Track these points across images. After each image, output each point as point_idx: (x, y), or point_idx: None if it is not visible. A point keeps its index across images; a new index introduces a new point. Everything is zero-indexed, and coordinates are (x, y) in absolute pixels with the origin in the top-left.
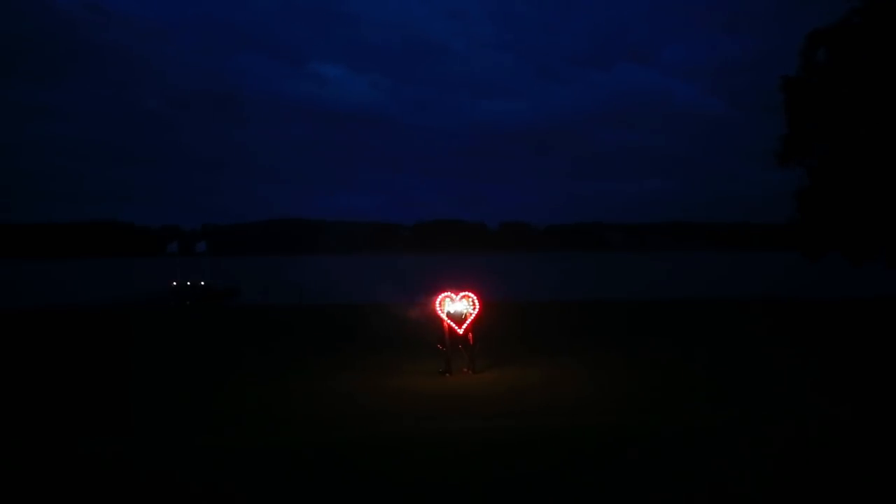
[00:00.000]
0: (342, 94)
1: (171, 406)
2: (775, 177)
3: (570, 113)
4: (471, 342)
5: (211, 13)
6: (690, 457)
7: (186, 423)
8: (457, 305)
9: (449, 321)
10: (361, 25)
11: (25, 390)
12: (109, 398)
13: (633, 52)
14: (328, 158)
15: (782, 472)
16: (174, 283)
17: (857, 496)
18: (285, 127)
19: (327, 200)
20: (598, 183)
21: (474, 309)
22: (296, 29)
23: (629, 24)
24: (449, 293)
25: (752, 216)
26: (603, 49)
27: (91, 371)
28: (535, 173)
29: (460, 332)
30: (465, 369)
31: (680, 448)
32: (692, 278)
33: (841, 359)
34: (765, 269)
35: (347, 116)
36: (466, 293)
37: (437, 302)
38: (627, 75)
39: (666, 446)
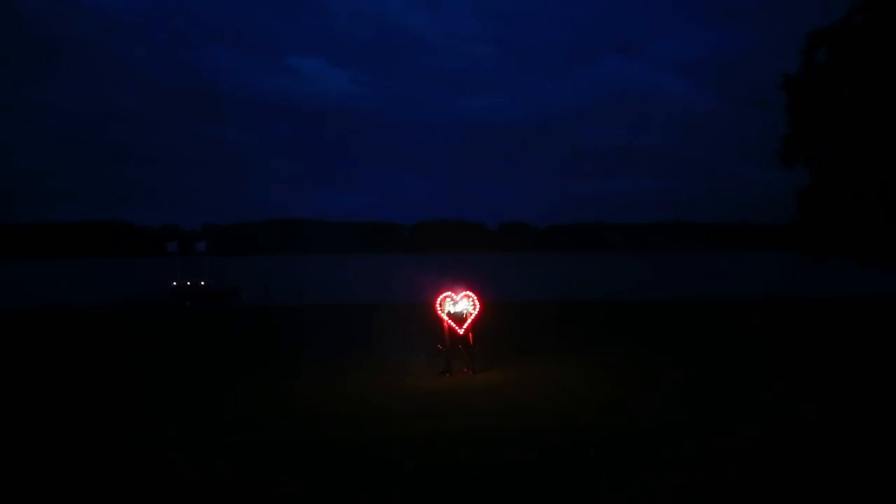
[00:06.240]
0: (324, 91)
1: (181, 406)
2: (775, 177)
3: (563, 109)
4: (471, 342)
5: (186, 7)
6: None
7: (200, 423)
8: (457, 305)
9: (449, 321)
10: (337, 19)
11: (28, 391)
12: (120, 398)
13: (622, 46)
14: (322, 157)
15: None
16: (174, 283)
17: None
18: (274, 125)
19: (326, 200)
20: (597, 182)
21: (475, 309)
22: (271, 23)
23: (617, 17)
24: (449, 293)
25: (752, 216)
26: (590, 43)
27: (95, 372)
28: (533, 172)
29: (461, 332)
30: (465, 369)
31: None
32: (691, 279)
33: (832, 359)
34: (764, 270)
35: (333, 113)
36: (467, 293)
37: (438, 302)
38: (616, 70)
39: (657, 446)
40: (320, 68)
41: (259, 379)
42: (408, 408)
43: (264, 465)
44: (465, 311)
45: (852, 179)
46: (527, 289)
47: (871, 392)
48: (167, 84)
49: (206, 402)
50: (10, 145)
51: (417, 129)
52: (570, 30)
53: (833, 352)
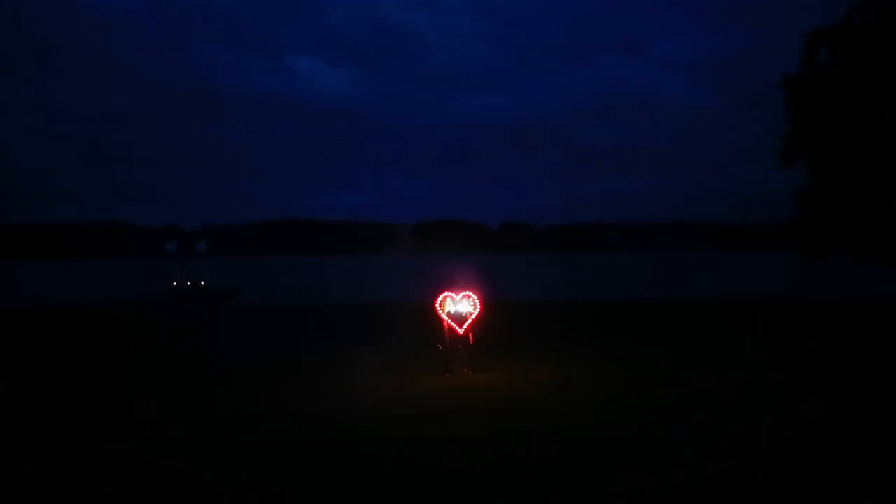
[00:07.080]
0: (322, 90)
1: (180, 406)
2: (775, 176)
3: (562, 109)
4: (471, 342)
5: (184, 7)
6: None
7: (200, 423)
8: (458, 305)
9: (449, 321)
10: (334, 18)
11: (27, 391)
12: (120, 398)
13: (622, 45)
14: (322, 157)
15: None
16: (174, 283)
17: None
18: (273, 125)
19: (326, 200)
20: (597, 182)
21: (475, 309)
22: (268, 22)
23: (617, 17)
24: (450, 293)
25: (752, 216)
26: (589, 42)
27: (95, 372)
28: (533, 172)
29: (461, 332)
30: (465, 369)
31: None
32: (691, 278)
33: (832, 359)
34: (764, 269)
35: (332, 113)
36: (467, 293)
37: (438, 302)
38: (616, 70)
39: (654, 445)
40: (318, 67)
41: (258, 379)
42: (407, 408)
43: (263, 466)
44: (465, 312)
45: (852, 179)
46: (527, 289)
47: (872, 392)
48: (167, 84)
49: (205, 402)
50: (10, 145)
51: (417, 128)
52: (570, 29)
53: (833, 351)
